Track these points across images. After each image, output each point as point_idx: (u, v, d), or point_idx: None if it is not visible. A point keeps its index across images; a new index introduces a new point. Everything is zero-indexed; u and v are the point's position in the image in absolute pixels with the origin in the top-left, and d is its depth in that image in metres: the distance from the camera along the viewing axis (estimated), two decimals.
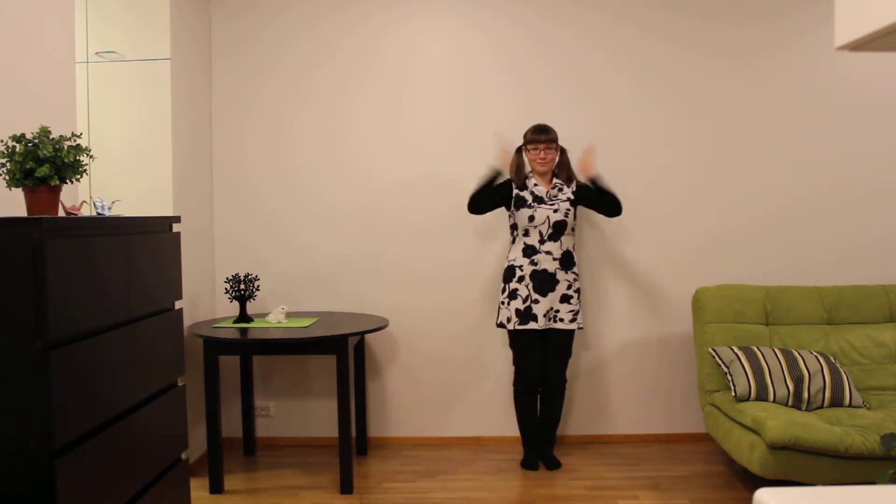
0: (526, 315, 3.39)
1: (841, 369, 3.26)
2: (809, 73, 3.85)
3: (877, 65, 3.86)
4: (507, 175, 3.46)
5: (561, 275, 3.41)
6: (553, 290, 3.39)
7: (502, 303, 3.48)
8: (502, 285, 3.49)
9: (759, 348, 3.33)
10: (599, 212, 3.50)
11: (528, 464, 3.55)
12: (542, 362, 3.46)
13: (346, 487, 3.23)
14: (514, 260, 3.45)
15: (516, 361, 3.49)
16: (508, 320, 3.43)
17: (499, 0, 3.84)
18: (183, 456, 2.49)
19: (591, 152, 3.44)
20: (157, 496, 2.26)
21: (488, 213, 3.56)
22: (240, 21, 3.86)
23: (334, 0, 3.85)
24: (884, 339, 3.50)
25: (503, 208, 3.53)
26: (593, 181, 3.41)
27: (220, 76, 3.88)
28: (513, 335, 3.46)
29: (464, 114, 3.87)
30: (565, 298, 3.42)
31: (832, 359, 3.32)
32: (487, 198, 3.44)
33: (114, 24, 3.32)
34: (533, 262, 3.40)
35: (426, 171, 3.88)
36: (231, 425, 3.92)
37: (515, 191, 3.44)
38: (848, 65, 3.85)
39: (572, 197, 3.45)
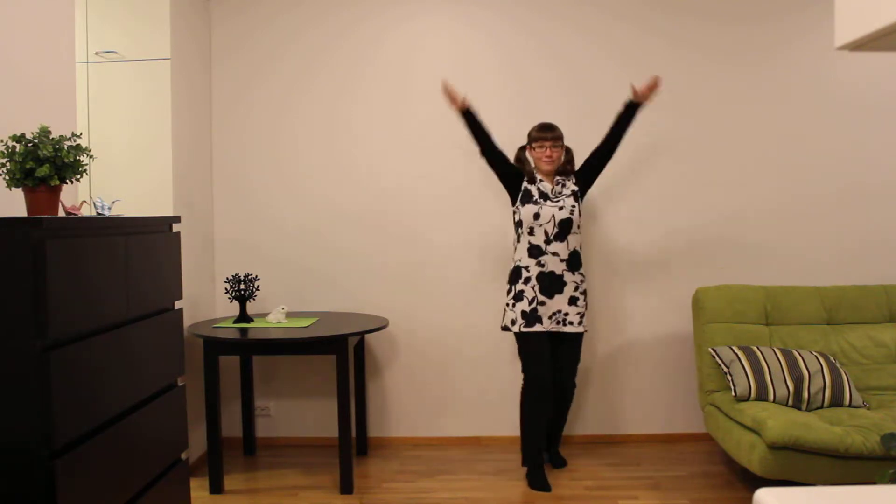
0: (532, 317, 3.29)
1: (841, 369, 3.26)
2: (809, 73, 3.85)
3: (877, 65, 3.86)
4: (463, 102, 3.29)
5: (568, 276, 3.32)
6: (560, 291, 3.30)
7: (507, 305, 3.36)
8: (508, 287, 3.38)
9: (759, 348, 3.33)
10: (596, 167, 3.38)
11: (537, 483, 3.30)
12: (551, 365, 3.33)
13: (346, 487, 3.23)
14: (520, 261, 3.35)
15: (525, 366, 3.32)
16: (513, 322, 3.32)
17: (499, 0, 3.84)
18: (183, 456, 2.49)
19: (656, 82, 3.27)
20: (157, 496, 2.26)
21: (495, 193, 3.52)
22: (240, 21, 3.86)
23: (334, 0, 3.85)
24: (884, 339, 3.50)
25: (506, 202, 3.49)
26: (634, 107, 3.29)
27: (220, 76, 3.88)
28: (519, 338, 3.36)
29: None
30: (573, 300, 3.32)
31: (832, 359, 3.32)
32: (487, 137, 3.31)
33: (114, 24, 3.33)
34: (539, 264, 3.30)
35: (426, 170, 3.88)
36: (231, 425, 3.92)
37: (525, 184, 3.34)
38: (848, 65, 3.85)
39: (576, 189, 3.36)
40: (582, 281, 3.38)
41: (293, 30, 3.86)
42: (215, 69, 3.88)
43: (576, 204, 3.34)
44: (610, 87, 3.85)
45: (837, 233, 3.88)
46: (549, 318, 3.31)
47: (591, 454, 3.73)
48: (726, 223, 3.88)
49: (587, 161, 3.41)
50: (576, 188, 3.38)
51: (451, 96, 3.30)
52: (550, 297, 3.30)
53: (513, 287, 3.36)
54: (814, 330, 3.54)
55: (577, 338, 3.41)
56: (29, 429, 1.72)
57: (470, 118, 3.32)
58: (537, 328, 3.29)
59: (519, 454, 3.63)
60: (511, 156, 3.42)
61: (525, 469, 3.43)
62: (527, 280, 3.32)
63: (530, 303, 3.30)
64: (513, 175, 3.37)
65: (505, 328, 3.38)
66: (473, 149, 3.84)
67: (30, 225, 1.72)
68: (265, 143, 3.89)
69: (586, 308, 3.41)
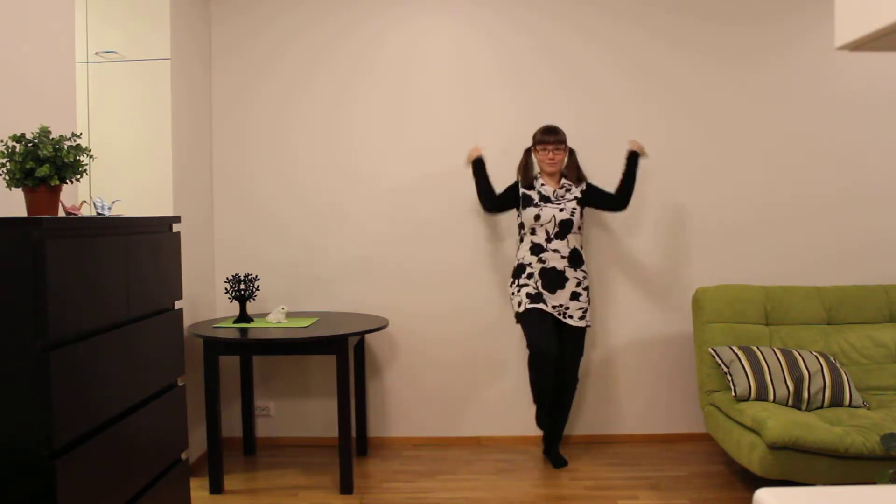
0: (537, 297, 3.37)
1: (841, 369, 3.26)
2: (809, 73, 3.85)
3: (877, 65, 3.86)
4: (481, 157, 3.52)
5: (570, 272, 3.42)
6: (563, 287, 3.40)
7: (512, 294, 3.48)
8: (511, 280, 3.51)
9: (759, 348, 3.33)
10: (606, 208, 3.55)
11: (540, 422, 3.51)
12: (556, 340, 3.34)
13: (346, 487, 3.23)
14: (523, 258, 3.47)
15: (528, 339, 3.34)
16: (520, 304, 3.40)
17: (499, 0, 3.84)
18: (183, 456, 2.49)
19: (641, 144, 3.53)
20: (157, 496, 2.26)
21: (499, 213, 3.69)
22: (240, 21, 3.86)
23: (334, 0, 3.85)
24: (884, 339, 3.50)
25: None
26: (635, 156, 3.47)
27: (220, 76, 3.88)
28: (524, 317, 3.36)
29: (464, 113, 3.87)
30: (575, 296, 3.43)
31: (832, 359, 3.32)
32: (489, 191, 3.50)
33: (114, 24, 3.33)
34: (541, 260, 3.41)
35: (427, 170, 3.88)
36: (231, 425, 3.92)
37: (522, 190, 3.47)
38: (848, 65, 3.85)
39: (580, 196, 3.48)
40: (584, 277, 3.47)
41: (293, 30, 3.86)
42: (215, 69, 3.88)
43: (577, 208, 3.46)
44: (610, 87, 3.85)
45: (837, 233, 3.88)
46: (553, 309, 3.41)
47: (591, 454, 3.73)
48: (726, 223, 3.88)
49: (601, 194, 3.52)
50: (580, 195, 3.49)
51: (473, 151, 3.53)
52: (552, 292, 3.41)
53: (516, 280, 3.49)
54: (814, 330, 3.54)
55: (579, 332, 3.48)
56: (29, 429, 1.72)
57: (480, 166, 3.50)
58: (541, 306, 3.38)
59: (519, 454, 3.70)
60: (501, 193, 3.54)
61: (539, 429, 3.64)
62: (529, 276, 3.44)
63: (534, 289, 3.41)
64: (511, 197, 3.51)
65: (516, 315, 3.46)
66: (473, 147, 3.85)
67: (30, 225, 1.72)
68: (265, 143, 3.89)
69: (589, 304, 3.50)
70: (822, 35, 3.83)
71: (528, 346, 3.37)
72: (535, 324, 3.35)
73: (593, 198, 3.52)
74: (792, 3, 3.82)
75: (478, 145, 3.59)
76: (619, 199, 3.50)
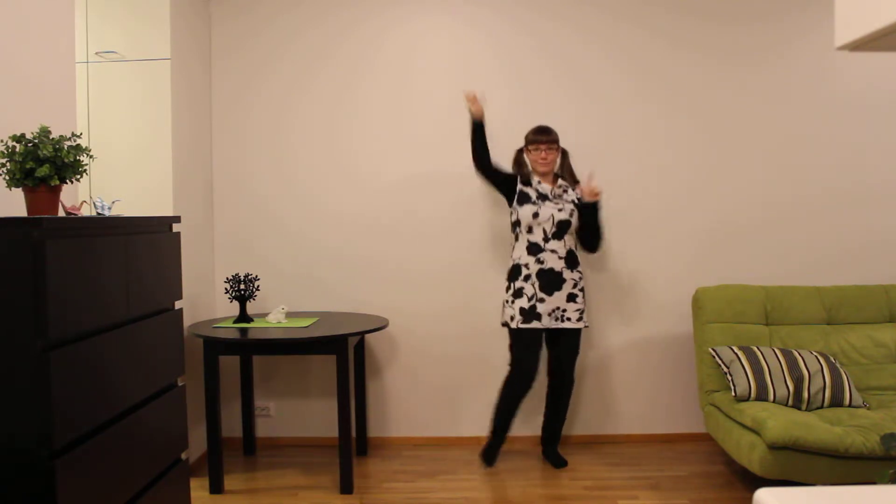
0: (530, 314, 3.36)
1: (841, 369, 3.26)
2: (809, 73, 3.85)
3: (877, 65, 3.86)
4: (480, 118, 3.35)
5: (567, 273, 3.40)
6: (560, 288, 3.38)
7: (506, 301, 3.45)
8: (507, 284, 3.47)
9: (759, 348, 3.33)
10: (580, 236, 3.47)
11: (489, 456, 3.50)
12: (540, 362, 3.40)
13: (346, 487, 3.23)
14: (519, 258, 3.43)
15: (515, 359, 3.40)
16: (512, 318, 3.39)
17: (499, 0, 3.84)
18: (183, 456, 2.49)
19: (592, 177, 3.41)
20: (157, 496, 2.26)
21: (494, 192, 3.64)
22: (240, 21, 3.86)
23: (334, 0, 3.85)
24: (884, 339, 3.50)
25: (505, 203, 3.56)
26: (590, 207, 3.37)
27: (220, 76, 3.88)
28: (515, 334, 3.40)
29: (464, 113, 3.86)
30: (571, 297, 3.41)
31: (832, 359, 3.32)
32: (485, 151, 3.37)
33: (114, 24, 3.33)
34: (539, 261, 3.38)
35: (427, 170, 3.88)
36: (231, 425, 3.92)
37: (520, 186, 3.43)
38: (848, 65, 3.85)
39: (576, 200, 3.46)
40: (580, 278, 3.47)
41: (293, 30, 3.86)
42: (215, 69, 3.88)
43: (574, 210, 3.43)
44: (609, 88, 3.85)
45: (837, 233, 3.88)
46: (549, 314, 3.38)
47: (590, 454, 3.73)
48: (726, 223, 3.88)
49: (583, 214, 3.41)
50: (576, 200, 3.45)
51: (473, 100, 3.34)
52: (550, 294, 3.38)
53: (512, 284, 3.44)
54: (814, 330, 3.54)
55: (576, 333, 3.47)
56: (29, 429, 1.72)
57: (480, 129, 3.39)
58: (535, 325, 3.36)
59: (518, 454, 3.69)
60: (500, 167, 3.47)
61: (486, 466, 3.56)
62: (526, 277, 3.40)
63: (529, 300, 3.38)
64: (507, 181, 3.46)
65: (504, 324, 3.46)
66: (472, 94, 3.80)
67: (30, 225, 1.72)
68: (265, 143, 3.89)
69: (585, 304, 3.49)
70: (822, 35, 3.83)
71: (512, 363, 3.39)
72: (525, 346, 3.36)
73: (581, 214, 3.43)
74: (792, 3, 3.82)
75: (477, 94, 3.35)
76: (588, 244, 3.46)
